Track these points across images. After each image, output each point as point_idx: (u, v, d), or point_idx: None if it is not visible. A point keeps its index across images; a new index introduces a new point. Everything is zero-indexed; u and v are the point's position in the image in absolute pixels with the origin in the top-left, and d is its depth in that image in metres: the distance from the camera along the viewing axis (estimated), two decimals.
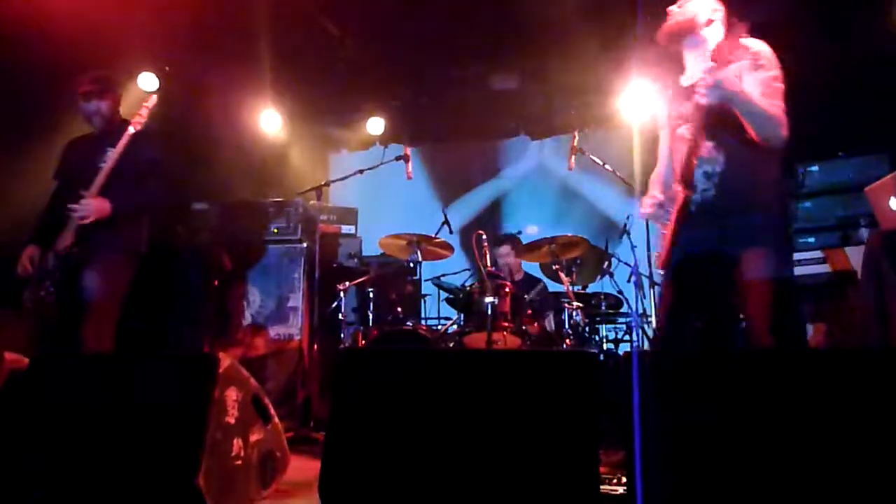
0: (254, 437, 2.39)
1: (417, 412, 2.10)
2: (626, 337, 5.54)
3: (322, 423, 4.27)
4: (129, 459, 2.17)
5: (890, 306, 3.11)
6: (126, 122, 3.62)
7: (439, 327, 5.57)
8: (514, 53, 6.23)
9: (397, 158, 4.92)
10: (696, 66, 2.75)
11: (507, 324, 4.45)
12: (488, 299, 4.35)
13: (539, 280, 5.58)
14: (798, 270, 4.36)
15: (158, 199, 3.70)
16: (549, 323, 5.08)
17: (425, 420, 2.08)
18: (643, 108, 5.52)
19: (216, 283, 5.35)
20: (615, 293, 5.33)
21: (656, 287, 4.68)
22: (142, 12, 4.91)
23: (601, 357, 5.01)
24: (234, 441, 2.28)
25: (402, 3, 5.40)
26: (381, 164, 5.03)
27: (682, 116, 2.73)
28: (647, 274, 4.64)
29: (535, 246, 4.95)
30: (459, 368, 2.15)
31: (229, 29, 5.41)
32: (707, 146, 2.58)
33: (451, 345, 4.67)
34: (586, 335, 4.95)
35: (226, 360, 2.29)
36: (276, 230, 5.39)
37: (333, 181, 5.06)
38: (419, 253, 4.95)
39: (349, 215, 6.44)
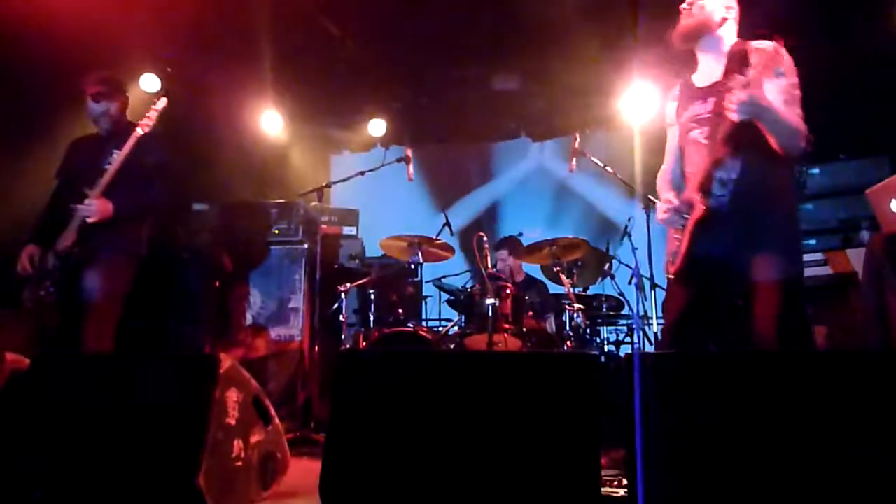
0: (254, 439, 2.39)
1: (418, 414, 2.10)
2: (627, 339, 5.53)
3: (323, 425, 4.26)
4: (129, 460, 2.17)
5: (891, 308, 3.11)
6: (132, 125, 3.63)
7: (440, 329, 5.57)
8: (515, 54, 6.23)
9: (398, 160, 4.93)
10: (709, 66, 2.74)
11: (508, 326, 4.45)
12: (489, 301, 4.34)
13: (540, 282, 5.59)
14: None
15: (161, 203, 3.71)
16: (550, 325, 5.08)
17: (426, 422, 2.07)
18: (644, 109, 5.53)
19: (217, 283, 5.36)
20: (616, 295, 5.33)
21: (657, 289, 4.68)
22: (143, 13, 4.92)
23: (602, 359, 5.01)
24: (235, 442, 2.28)
25: (403, 3, 5.40)
26: (383, 165, 5.04)
27: (697, 119, 2.70)
28: (648, 276, 4.63)
29: (535, 248, 4.94)
30: (460, 370, 2.15)
31: (231, 30, 5.42)
32: (725, 154, 2.56)
33: (452, 346, 4.67)
34: (587, 337, 4.94)
35: (227, 361, 2.29)
36: (277, 231, 5.39)
37: (335, 182, 5.06)
38: (420, 254, 4.95)
39: (350, 217, 6.44)
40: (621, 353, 5.37)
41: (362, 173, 4.91)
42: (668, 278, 2.78)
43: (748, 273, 2.54)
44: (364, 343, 4.66)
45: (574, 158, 4.53)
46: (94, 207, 3.39)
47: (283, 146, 7.09)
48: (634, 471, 1.80)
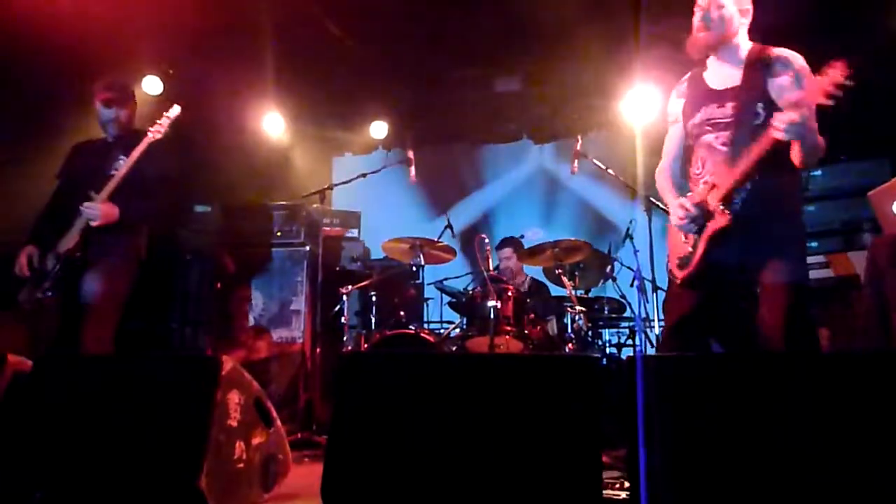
0: (256, 441, 2.39)
1: (419, 416, 2.10)
2: (629, 341, 5.53)
3: (324, 427, 4.26)
4: (131, 461, 2.17)
5: (892, 311, 3.11)
6: (138, 132, 3.66)
7: (442, 331, 5.58)
8: (517, 56, 6.24)
9: (400, 162, 4.93)
10: (725, 69, 2.70)
11: (509, 328, 4.46)
12: (491, 303, 4.35)
13: (542, 284, 5.59)
14: None
15: (165, 211, 3.74)
16: (552, 327, 5.08)
17: (427, 424, 2.07)
18: (646, 111, 5.52)
19: (219, 285, 5.36)
20: (618, 297, 5.33)
21: (659, 291, 4.68)
22: (145, 15, 4.93)
23: (604, 361, 5.01)
24: (237, 444, 2.28)
25: (405, 5, 5.41)
26: (384, 167, 5.04)
27: (712, 122, 2.66)
28: (650, 278, 4.63)
29: (537, 250, 4.94)
30: (462, 372, 2.15)
31: (233, 32, 5.42)
32: (756, 171, 2.51)
33: (454, 349, 4.67)
34: (589, 339, 4.94)
35: (228, 363, 2.29)
36: (279, 233, 5.40)
37: (336, 185, 5.07)
38: (422, 256, 4.95)
39: (352, 219, 6.45)
40: (623, 356, 5.37)
41: (364, 175, 4.92)
42: (673, 280, 2.77)
43: (758, 277, 2.54)
44: (365, 345, 4.67)
45: (576, 160, 4.52)
46: (100, 211, 3.40)
47: (285, 148, 7.10)
48: (636, 473, 1.80)
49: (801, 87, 2.52)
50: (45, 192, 3.75)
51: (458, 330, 5.03)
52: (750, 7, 2.71)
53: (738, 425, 1.80)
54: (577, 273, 5.18)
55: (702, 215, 2.62)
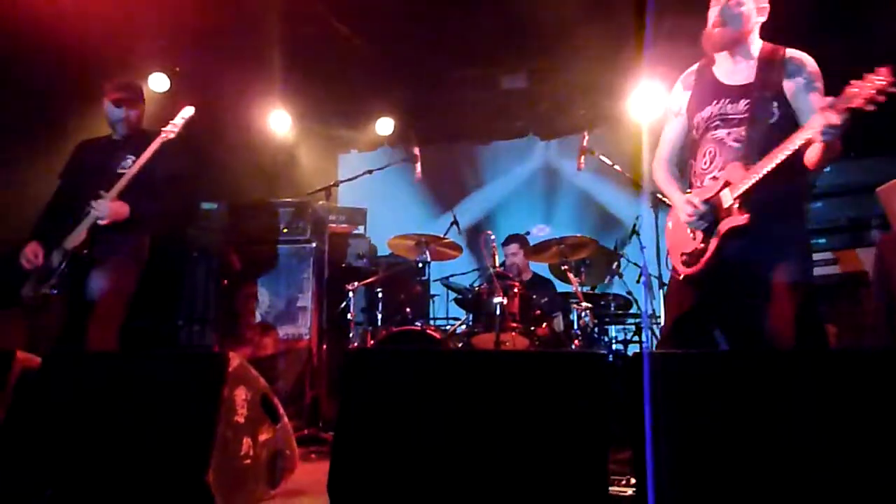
0: (263, 437, 2.40)
1: (426, 412, 2.10)
2: (636, 338, 5.51)
3: (330, 423, 4.28)
4: (139, 457, 2.18)
5: None
6: (146, 132, 3.69)
7: (448, 328, 5.57)
8: (523, 53, 6.23)
9: (406, 159, 4.93)
10: (737, 66, 2.68)
11: (515, 324, 4.45)
12: (497, 300, 4.35)
13: (548, 280, 5.58)
14: None
15: (175, 210, 3.76)
16: (558, 324, 5.07)
17: (434, 420, 2.08)
18: (652, 107, 5.51)
19: (225, 283, 5.38)
20: (624, 294, 5.32)
21: (665, 288, 4.66)
22: (151, 13, 4.94)
23: (610, 358, 5.00)
24: (244, 440, 2.29)
25: (411, 3, 5.40)
26: (390, 164, 5.04)
27: (724, 118, 2.65)
28: (657, 274, 4.62)
29: (543, 246, 4.94)
30: (468, 369, 2.15)
31: (239, 30, 5.43)
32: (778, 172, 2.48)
33: (460, 345, 4.67)
34: (595, 336, 4.93)
35: (235, 360, 2.30)
36: (285, 230, 5.41)
37: (342, 182, 5.07)
38: (428, 253, 4.96)
39: (358, 215, 6.45)
40: (629, 353, 5.36)
41: (370, 172, 4.92)
42: (678, 276, 2.75)
43: (767, 275, 2.53)
44: (372, 342, 4.67)
45: (582, 157, 4.52)
46: (110, 209, 3.41)
47: (291, 145, 7.11)
48: (643, 470, 1.80)
49: (813, 90, 2.53)
50: (49, 191, 3.76)
51: (464, 326, 5.03)
52: (766, 5, 2.69)
53: (744, 422, 1.79)
54: (583, 269, 5.17)
55: (711, 212, 2.61)
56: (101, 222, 3.41)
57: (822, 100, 2.32)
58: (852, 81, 2.27)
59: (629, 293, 5.30)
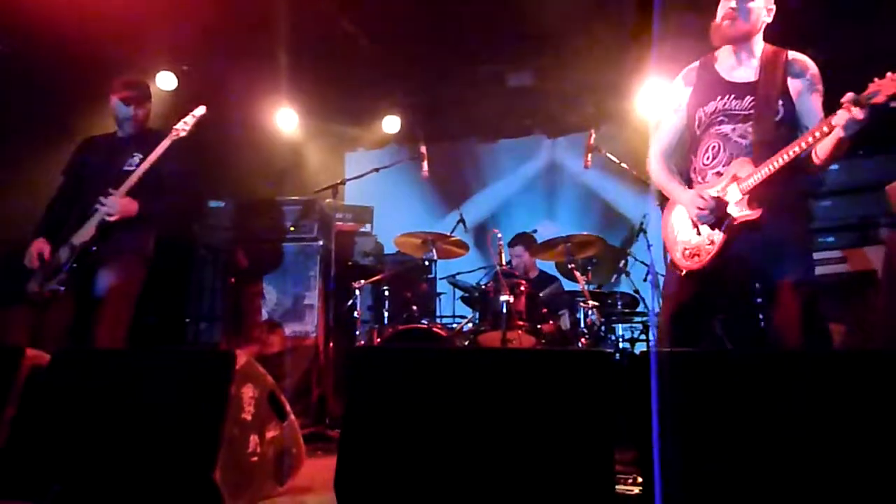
0: (270, 434, 2.41)
1: (432, 410, 2.10)
2: (643, 336, 5.51)
3: (337, 421, 4.29)
4: (146, 453, 2.19)
5: None
6: (152, 131, 3.70)
7: (454, 326, 5.58)
8: (530, 51, 6.21)
9: (412, 157, 4.93)
10: (740, 63, 2.71)
11: (522, 322, 4.45)
12: (503, 298, 4.35)
13: (555, 278, 5.57)
14: (817, 270, 4.31)
15: (180, 208, 3.78)
16: (565, 322, 5.07)
17: (440, 418, 2.08)
18: (659, 105, 5.48)
19: (232, 280, 5.39)
20: (631, 292, 5.31)
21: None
22: (159, 11, 4.95)
23: (617, 356, 4.99)
24: (251, 437, 2.29)
25: (418, 1, 5.40)
26: (397, 162, 5.04)
27: (728, 114, 2.66)
28: (664, 273, 4.60)
29: (550, 245, 4.93)
30: (474, 367, 2.15)
31: (246, 27, 5.44)
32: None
33: (466, 343, 4.67)
34: (602, 334, 4.93)
35: (242, 357, 2.31)
36: (292, 228, 5.42)
37: (349, 180, 5.08)
38: (434, 251, 4.96)
39: (365, 214, 6.45)
40: (636, 351, 5.36)
41: (377, 170, 4.93)
42: (677, 270, 2.75)
43: (773, 272, 2.53)
44: (378, 339, 4.68)
45: (589, 154, 4.51)
46: (119, 206, 3.43)
47: (298, 143, 7.12)
48: (650, 469, 1.79)
49: (815, 91, 2.58)
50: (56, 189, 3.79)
51: (470, 324, 5.03)
52: (773, 7, 2.71)
53: (752, 422, 1.79)
54: (589, 268, 5.17)
55: (719, 207, 2.61)
56: (110, 219, 3.43)
57: (846, 95, 2.32)
58: (875, 79, 2.28)
59: (636, 291, 5.29)
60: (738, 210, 2.56)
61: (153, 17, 5.00)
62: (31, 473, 2.28)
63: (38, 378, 2.49)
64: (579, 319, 4.83)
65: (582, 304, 4.76)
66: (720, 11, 2.69)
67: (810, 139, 2.39)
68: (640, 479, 2.15)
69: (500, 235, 4.88)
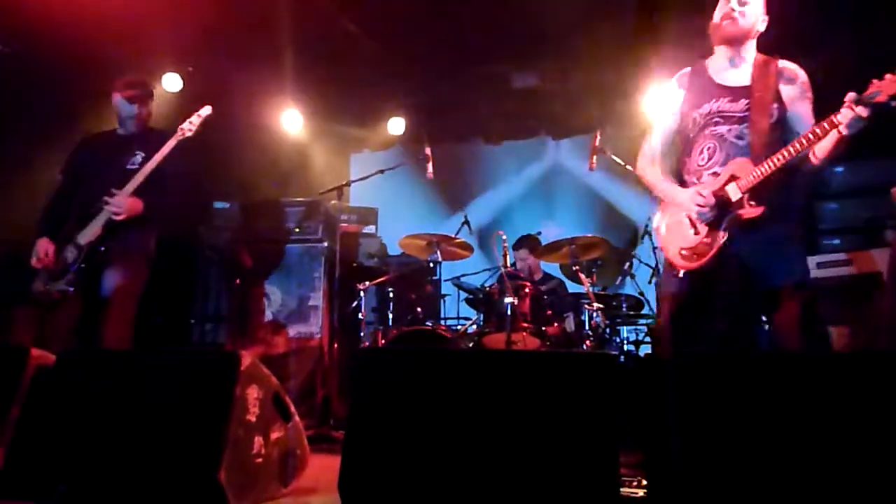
0: (274, 435, 2.41)
1: (436, 412, 2.10)
2: (647, 339, 5.50)
3: (341, 422, 4.29)
4: (152, 454, 2.20)
5: None
6: (154, 130, 3.72)
7: (459, 327, 5.57)
8: (535, 52, 6.21)
9: (418, 159, 4.93)
10: (733, 68, 2.76)
11: (526, 325, 4.45)
12: (508, 300, 4.34)
13: (559, 280, 5.56)
14: (823, 272, 4.30)
15: (183, 208, 3.79)
16: (569, 324, 5.06)
17: (444, 420, 2.08)
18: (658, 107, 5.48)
19: (238, 281, 5.40)
20: (636, 294, 5.29)
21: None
22: (164, 13, 4.97)
23: (622, 359, 4.98)
24: (255, 438, 2.30)
25: (423, 2, 5.41)
26: (402, 164, 5.05)
27: (724, 115, 2.70)
28: None
29: (555, 247, 4.93)
30: (478, 369, 2.15)
31: (251, 29, 5.46)
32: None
33: (471, 345, 4.67)
34: (607, 337, 4.92)
35: (247, 358, 2.31)
36: (297, 230, 5.42)
37: (353, 181, 5.08)
38: (439, 253, 4.96)
39: (370, 215, 6.46)
40: (641, 353, 5.35)
41: (382, 172, 4.93)
42: (674, 270, 2.76)
43: (772, 273, 2.54)
44: (383, 341, 4.68)
45: (594, 156, 4.50)
46: (126, 205, 3.44)
47: (303, 145, 7.13)
48: (655, 472, 1.79)
49: (806, 98, 2.65)
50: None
51: (474, 326, 5.03)
52: (767, 18, 2.78)
53: (759, 425, 1.78)
54: (594, 270, 5.16)
55: (719, 206, 2.62)
56: (117, 218, 3.43)
57: (848, 94, 2.37)
58: (874, 80, 2.33)
59: (641, 294, 5.28)
60: (740, 208, 2.59)
61: (157, 18, 5.02)
62: (37, 474, 2.28)
63: (44, 378, 2.50)
64: (584, 321, 4.82)
65: (587, 306, 4.75)
66: (719, 12, 2.75)
67: (811, 136, 2.43)
68: (644, 482, 2.15)
69: (504, 237, 4.88)
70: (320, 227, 5.40)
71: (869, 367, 1.78)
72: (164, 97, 5.65)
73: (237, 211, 5.72)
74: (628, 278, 5.39)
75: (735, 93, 2.70)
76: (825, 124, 2.40)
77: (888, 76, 2.30)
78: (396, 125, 7.07)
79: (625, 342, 5.46)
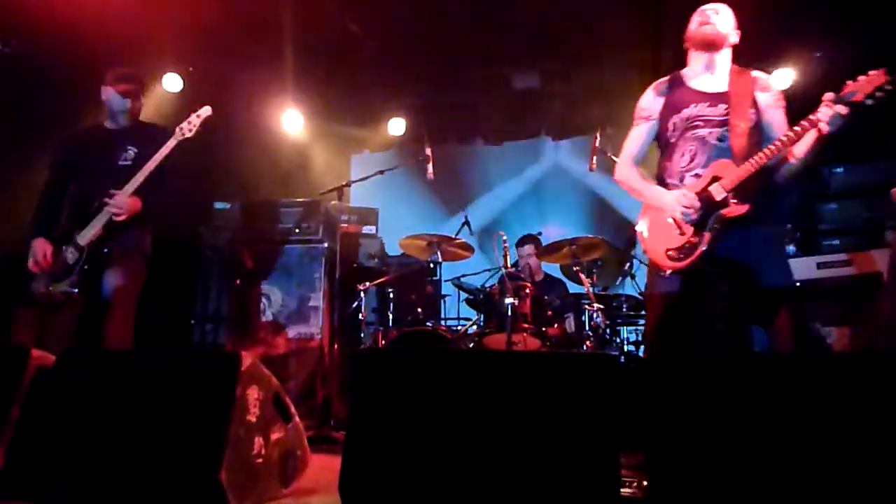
0: (275, 436, 2.41)
1: (436, 412, 2.10)
2: None
3: (342, 423, 4.29)
4: (152, 455, 2.20)
5: None
6: (144, 124, 3.72)
7: (459, 328, 5.57)
8: (536, 53, 6.21)
9: (419, 159, 4.93)
10: (709, 76, 2.85)
11: (527, 325, 4.44)
12: (508, 300, 4.34)
13: (561, 282, 5.56)
14: (823, 273, 4.30)
15: (181, 208, 3.78)
16: (570, 324, 5.06)
17: (444, 420, 2.08)
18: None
19: (238, 281, 5.40)
20: (636, 295, 5.29)
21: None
22: (165, 13, 4.97)
23: (622, 359, 4.98)
24: (256, 439, 2.30)
25: (423, 3, 5.41)
26: (402, 164, 5.04)
27: (704, 119, 2.76)
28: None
29: (555, 247, 4.93)
30: (479, 369, 2.15)
31: (252, 29, 5.46)
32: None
33: (471, 346, 4.67)
34: (607, 337, 4.92)
35: (248, 359, 2.31)
36: (297, 230, 5.42)
37: (354, 182, 5.08)
38: (439, 253, 4.96)
39: (370, 215, 6.46)
40: (641, 354, 5.34)
41: (382, 172, 4.93)
42: (661, 271, 2.78)
43: (759, 275, 2.58)
44: (383, 342, 4.68)
45: (594, 157, 4.50)
46: (126, 206, 3.42)
47: (304, 145, 7.13)
48: (655, 472, 1.79)
49: (779, 107, 2.75)
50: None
51: (475, 327, 5.03)
52: (738, 32, 2.87)
53: (757, 426, 1.78)
54: (594, 270, 5.16)
55: (704, 206, 2.67)
56: (117, 219, 3.42)
57: (825, 94, 2.46)
58: (848, 81, 2.44)
59: (641, 294, 5.28)
60: (725, 207, 2.64)
61: (157, 18, 5.02)
62: (37, 474, 2.28)
63: (44, 379, 2.50)
64: (584, 322, 4.82)
65: (587, 306, 4.75)
66: (695, 20, 2.86)
67: (792, 133, 2.52)
68: (645, 483, 2.15)
69: (505, 238, 4.88)
70: (320, 228, 5.40)
71: (869, 367, 1.78)
72: (164, 97, 5.66)
73: (237, 211, 5.72)
74: (628, 279, 5.39)
75: (713, 98, 2.78)
76: (805, 122, 2.49)
77: (861, 77, 2.40)
78: (397, 126, 7.07)
79: (625, 342, 5.47)
